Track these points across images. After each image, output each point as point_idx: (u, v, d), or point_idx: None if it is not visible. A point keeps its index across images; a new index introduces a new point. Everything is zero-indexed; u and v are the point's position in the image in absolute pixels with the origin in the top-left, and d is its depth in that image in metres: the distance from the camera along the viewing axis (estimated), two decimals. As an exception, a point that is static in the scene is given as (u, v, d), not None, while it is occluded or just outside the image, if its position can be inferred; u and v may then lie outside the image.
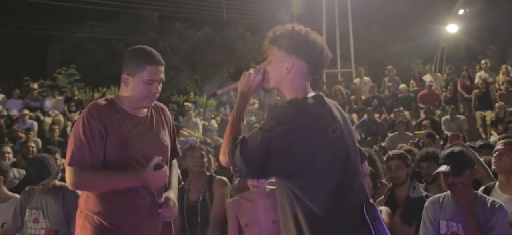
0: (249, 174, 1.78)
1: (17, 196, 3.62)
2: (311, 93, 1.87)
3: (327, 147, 1.75)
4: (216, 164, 4.49)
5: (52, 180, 3.28)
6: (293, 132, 1.71)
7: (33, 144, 6.61)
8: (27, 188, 3.45)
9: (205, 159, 3.53)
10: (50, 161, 3.24)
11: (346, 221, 1.75)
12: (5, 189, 3.65)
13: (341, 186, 1.75)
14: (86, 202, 2.20)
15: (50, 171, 3.18)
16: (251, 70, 1.97)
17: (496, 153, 2.99)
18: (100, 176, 2.12)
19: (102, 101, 2.23)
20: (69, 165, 2.09)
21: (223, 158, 1.84)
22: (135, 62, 2.17)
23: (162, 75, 2.23)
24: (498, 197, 2.81)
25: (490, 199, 2.64)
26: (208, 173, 3.56)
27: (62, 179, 3.76)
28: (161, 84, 2.23)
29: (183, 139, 6.75)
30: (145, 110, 2.29)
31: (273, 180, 3.62)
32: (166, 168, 2.16)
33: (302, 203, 1.74)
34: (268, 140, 1.70)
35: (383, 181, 3.75)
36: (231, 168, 1.81)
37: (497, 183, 3.01)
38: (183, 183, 3.63)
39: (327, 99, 1.88)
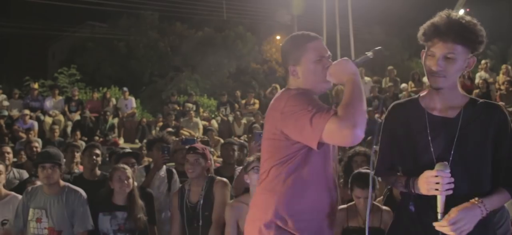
0: None
1: (15, 194, 3.61)
2: None
3: None
4: (216, 164, 4.48)
5: (58, 173, 3.32)
6: None
7: (37, 144, 6.58)
8: (29, 188, 3.46)
9: (203, 165, 3.40)
10: (61, 154, 3.51)
11: None
12: (1, 187, 3.62)
13: None
14: (268, 208, 1.95)
15: (60, 161, 3.35)
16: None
17: None
18: (347, 100, 1.87)
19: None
20: (327, 119, 1.79)
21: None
22: (295, 48, 2.01)
23: (326, 48, 2.03)
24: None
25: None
26: (208, 174, 3.52)
27: (64, 179, 3.77)
28: (330, 59, 2.01)
29: (184, 137, 6.78)
30: None
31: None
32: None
33: None
34: None
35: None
36: None
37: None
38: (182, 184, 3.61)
39: None
